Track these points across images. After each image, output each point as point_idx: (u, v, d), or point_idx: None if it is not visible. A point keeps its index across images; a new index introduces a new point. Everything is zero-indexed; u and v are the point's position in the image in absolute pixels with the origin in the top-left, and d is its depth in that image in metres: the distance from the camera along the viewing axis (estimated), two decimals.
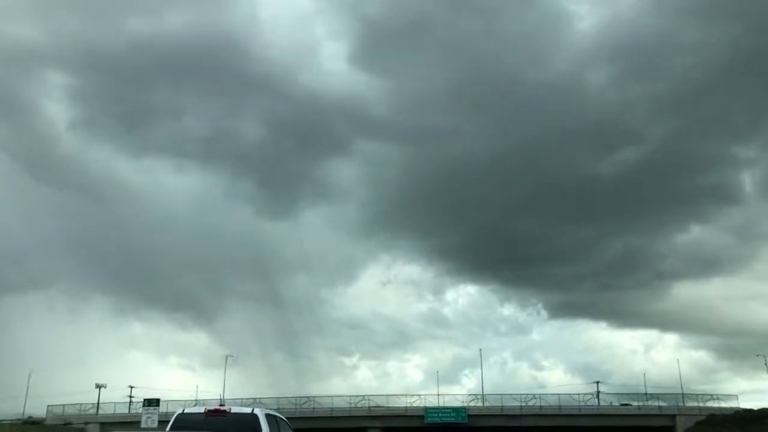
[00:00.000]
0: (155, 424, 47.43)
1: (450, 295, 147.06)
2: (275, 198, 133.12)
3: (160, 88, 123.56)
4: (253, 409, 12.94)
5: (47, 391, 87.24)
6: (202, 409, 12.91)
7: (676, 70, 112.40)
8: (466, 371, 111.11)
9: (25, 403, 71.50)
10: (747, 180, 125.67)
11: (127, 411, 68.36)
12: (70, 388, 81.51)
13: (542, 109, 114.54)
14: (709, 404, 64.66)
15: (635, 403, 66.99)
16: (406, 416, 65.33)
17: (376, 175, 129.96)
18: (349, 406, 66.53)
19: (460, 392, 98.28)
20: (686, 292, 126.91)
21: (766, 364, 68.16)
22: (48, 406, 68.27)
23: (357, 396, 68.17)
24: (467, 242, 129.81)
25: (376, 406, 66.59)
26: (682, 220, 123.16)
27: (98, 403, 69.76)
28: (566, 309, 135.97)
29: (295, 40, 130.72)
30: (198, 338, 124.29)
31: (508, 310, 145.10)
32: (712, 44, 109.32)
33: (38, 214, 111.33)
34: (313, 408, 65.96)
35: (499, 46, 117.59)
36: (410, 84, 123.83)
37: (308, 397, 67.88)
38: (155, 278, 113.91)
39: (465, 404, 67.32)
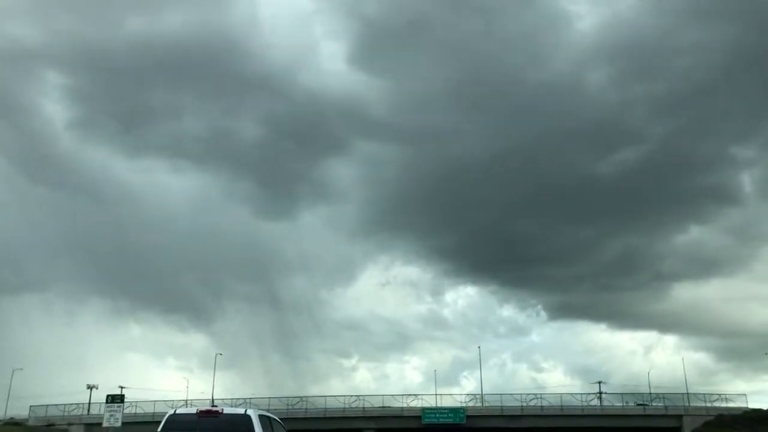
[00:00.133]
0: (118, 423, 46.58)
1: (449, 296, 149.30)
2: (274, 198, 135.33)
3: (159, 88, 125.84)
4: (246, 410, 12.83)
5: (45, 393, 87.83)
6: (194, 410, 12.74)
7: (676, 70, 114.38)
8: (465, 373, 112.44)
9: (7, 404, 71.50)
10: (746, 180, 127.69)
11: None
12: (67, 390, 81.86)
13: (541, 109, 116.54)
14: (716, 404, 64.42)
15: (640, 404, 66.78)
16: (403, 417, 65.08)
17: (375, 175, 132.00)
18: (343, 406, 66.26)
19: (458, 394, 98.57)
20: (686, 294, 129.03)
21: None
22: (31, 406, 67.88)
23: (351, 396, 67.91)
24: (466, 243, 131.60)
25: (371, 407, 66.25)
26: (681, 220, 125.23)
27: (89, 404, 69.82)
28: (566, 310, 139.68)
29: (294, 40, 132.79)
30: (195, 340, 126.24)
31: (508, 311, 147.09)
32: (712, 44, 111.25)
33: (35, 214, 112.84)
34: (306, 408, 65.56)
35: (499, 46, 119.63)
36: (409, 84, 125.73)
37: (301, 397, 67.51)
38: (153, 279, 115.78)
39: (463, 404, 67.03)
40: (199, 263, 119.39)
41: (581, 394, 69.58)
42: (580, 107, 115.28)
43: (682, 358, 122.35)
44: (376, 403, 67.27)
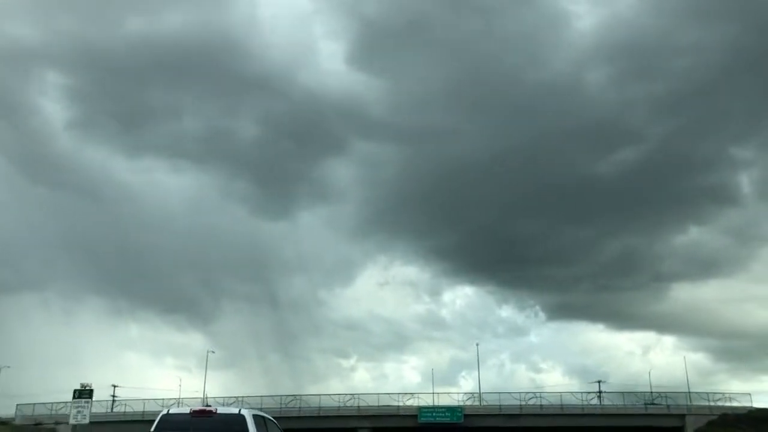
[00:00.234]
0: (86, 420, 46.19)
1: (447, 296, 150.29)
2: (272, 198, 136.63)
3: (158, 88, 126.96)
4: (240, 410, 12.82)
5: (40, 392, 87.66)
6: (187, 410, 12.75)
7: (676, 70, 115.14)
8: (463, 373, 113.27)
9: None
10: (745, 181, 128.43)
11: (106, 410, 68.30)
12: (60, 389, 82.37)
13: (541, 109, 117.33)
14: (720, 404, 64.24)
15: (649, 403, 66.44)
16: (399, 416, 64.89)
17: (374, 175, 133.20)
18: (337, 405, 66.20)
19: (456, 392, 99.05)
20: (684, 294, 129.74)
21: None
22: (17, 405, 67.53)
23: (346, 395, 67.79)
24: (465, 243, 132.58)
25: (366, 406, 66.06)
26: (680, 221, 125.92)
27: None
28: (564, 311, 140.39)
29: (294, 39, 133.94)
30: (194, 339, 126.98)
31: (506, 311, 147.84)
32: (712, 44, 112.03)
33: (33, 213, 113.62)
34: (300, 407, 65.45)
35: (498, 46, 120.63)
36: (408, 84, 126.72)
37: (294, 396, 67.33)
38: (151, 279, 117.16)
39: (461, 403, 66.88)
40: (198, 263, 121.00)
41: (581, 392, 69.72)
42: (579, 107, 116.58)
43: (684, 357, 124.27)
44: (372, 401, 67.13)
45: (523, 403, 64.94)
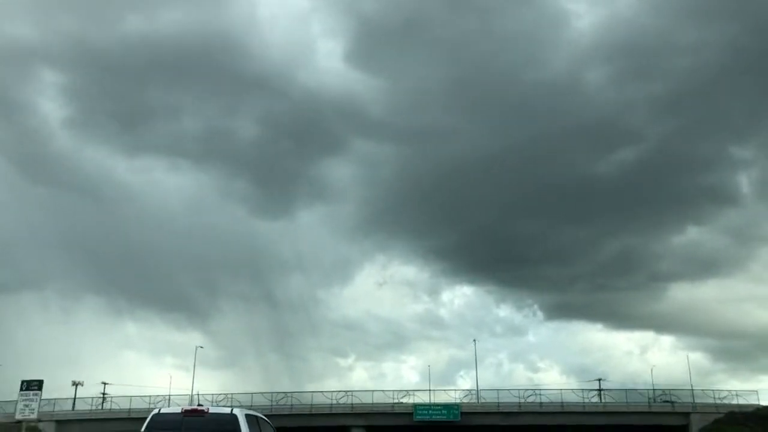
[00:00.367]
0: (34, 414, 46.03)
1: (446, 295, 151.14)
2: (271, 197, 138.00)
3: (157, 87, 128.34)
4: (232, 409, 12.89)
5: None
6: (179, 410, 12.70)
7: (675, 70, 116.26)
8: (461, 372, 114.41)
9: None
10: (744, 181, 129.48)
11: (90, 407, 68.63)
12: (54, 387, 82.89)
13: (540, 108, 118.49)
14: (725, 401, 64.16)
15: (666, 400, 66.25)
16: (393, 414, 64.66)
17: (372, 174, 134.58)
18: (330, 402, 65.98)
19: (453, 390, 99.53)
20: (682, 294, 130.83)
21: None
22: None
23: (339, 392, 67.47)
24: (463, 243, 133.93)
25: (360, 403, 65.71)
26: (679, 220, 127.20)
27: (75, 400, 70.64)
28: (562, 310, 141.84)
29: (292, 38, 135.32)
30: (193, 338, 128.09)
31: (504, 311, 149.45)
32: (711, 44, 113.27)
33: (32, 212, 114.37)
34: (291, 405, 65.22)
35: (497, 45, 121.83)
36: (407, 83, 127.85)
37: (285, 393, 67.01)
38: (150, 278, 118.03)
39: (458, 401, 66.68)
40: (197, 262, 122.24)
41: (581, 389, 69.80)
42: (578, 107, 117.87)
43: (687, 355, 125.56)
44: (366, 399, 67.05)
45: (522, 400, 64.73)
